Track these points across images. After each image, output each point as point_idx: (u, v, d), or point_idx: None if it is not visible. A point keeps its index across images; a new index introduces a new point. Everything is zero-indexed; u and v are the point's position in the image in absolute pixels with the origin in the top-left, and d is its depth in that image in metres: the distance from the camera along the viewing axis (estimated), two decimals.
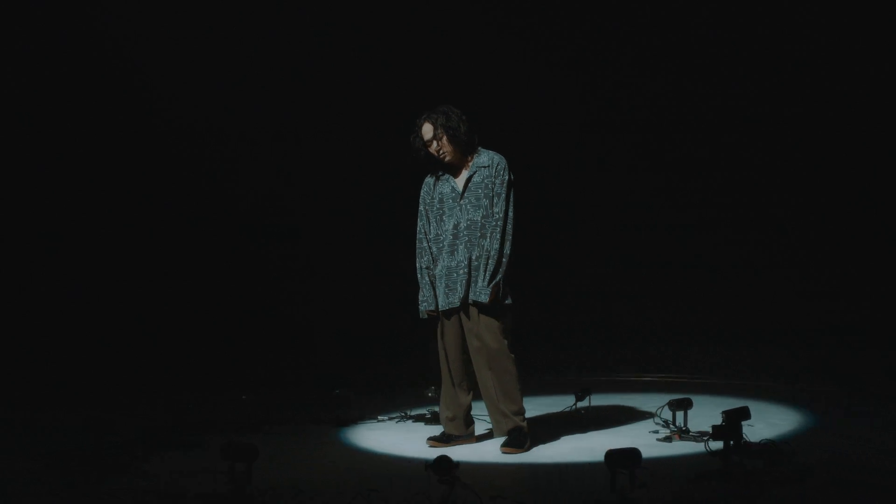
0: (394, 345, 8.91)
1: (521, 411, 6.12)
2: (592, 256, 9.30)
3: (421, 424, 6.82)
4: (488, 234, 6.03)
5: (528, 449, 6.05)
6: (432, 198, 6.17)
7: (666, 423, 6.32)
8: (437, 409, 6.64)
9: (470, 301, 6.04)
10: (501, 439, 6.14)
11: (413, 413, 7.05)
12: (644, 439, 6.15)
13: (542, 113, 9.22)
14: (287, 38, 9.15)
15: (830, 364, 8.25)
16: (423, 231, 6.20)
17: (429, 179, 6.22)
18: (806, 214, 9.11)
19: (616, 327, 9.29)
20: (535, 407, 6.98)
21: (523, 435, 6.09)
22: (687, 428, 6.17)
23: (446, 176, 6.17)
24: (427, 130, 6.07)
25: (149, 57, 9.01)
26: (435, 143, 6.07)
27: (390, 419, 6.97)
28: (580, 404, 6.86)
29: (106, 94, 9.05)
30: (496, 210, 6.04)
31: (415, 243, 6.22)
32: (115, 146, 9.11)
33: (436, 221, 6.16)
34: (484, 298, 5.98)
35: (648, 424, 6.52)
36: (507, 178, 6.07)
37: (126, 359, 8.66)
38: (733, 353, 8.77)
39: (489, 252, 6.02)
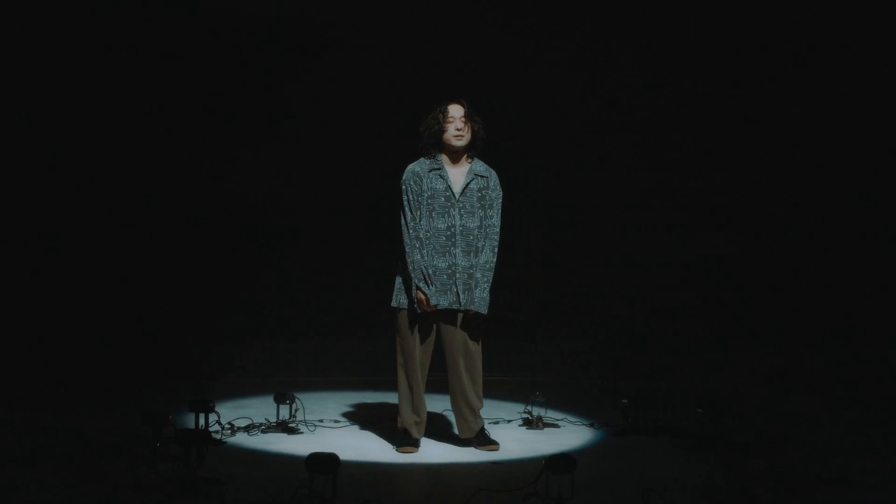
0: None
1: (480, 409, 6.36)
2: (592, 256, 9.30)
3: (284, 435, 6.59)
4: (487, 247, 6.13)
5: None
6: (422, 189, 6.14)
7: (529, 413, 6.95)
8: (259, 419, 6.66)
9: (466, 308, 6.12)
10: (461, 439, 6.35)
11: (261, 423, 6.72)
12: (513, 429, 6.86)
13: (542, 113, 9.22)
14: (287, 38, 9.15)
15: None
16: (413, 222, 6.15)
17: (416, 169, 6.18)
18: (807, 214, 9.12)
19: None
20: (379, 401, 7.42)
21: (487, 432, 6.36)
22: (547, 416, 6.95)
23: (441, 171, 6.16)
24: (458, 109, 6.16)
25: (148, 56, 9.01)
26: (460, 122, 6.11)
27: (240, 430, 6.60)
28: None
29: (105, 95, 9.04)
30: (493, 223, 6.15)
31: (401, 235, 6.17)
32: (115, 146, 9.10)
33: (426, 217, 6.13)
34: (484, 309, 6.14)
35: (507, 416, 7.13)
36: (501, 192, 6.22)
37: (126, 359, 8.66)
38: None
39: (488, 265, 6.13)
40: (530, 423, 6.90)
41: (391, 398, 7.07)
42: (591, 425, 6.95)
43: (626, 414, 6.73)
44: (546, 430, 6.82)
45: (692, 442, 6.42)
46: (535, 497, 4.96)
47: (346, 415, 7.17)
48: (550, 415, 7.05)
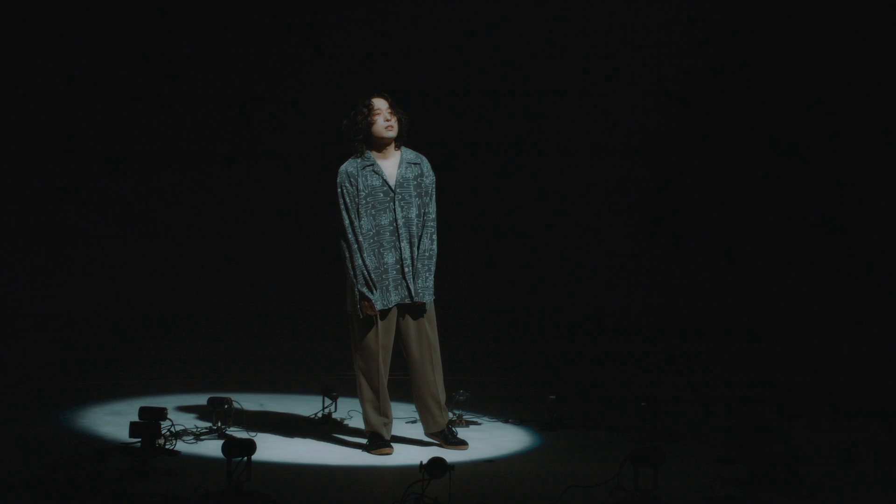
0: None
1: None
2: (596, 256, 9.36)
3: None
4: (425, 236, 6.13)
5: None
6: (358, 190, 6.10)
7: (452, 412, 6.66)
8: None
9: (416, 300, 6.10)
10: (425, 438, 6.29)
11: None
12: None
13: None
14: (287, 39, 9.18)
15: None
16: (353, 225, 6.08)
17: (350, 169, 6.11)
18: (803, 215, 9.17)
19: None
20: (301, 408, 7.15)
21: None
22: (465, 415, 6.83)
23: (374, 166, 6.12)
24: (382, 102, 6.12)
25: (148, 57, 9.03)
26: (387, 113, 6.10)
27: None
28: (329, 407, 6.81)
29: (105, 95, 9.05)
30: (430, 210, 6.15)
31: (341, 239, 6.07)
32: (116, 146, 9.12)
33: (368, 216, 6.09)
34: (429, 298, 6.13)
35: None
36: (434, 177, 6.20)
37: (126, 360, 8.69)
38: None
39: (430, 252, 6.13)
40: (453, 421, 6.61)
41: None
42: (507, 422, 6.90)
43: (552, 410, 6.69)
44: (471, 427, 6.72)
45: (635, 435, 6.41)
46: (621, 490, 4.98)
47: (287, 418, 6.92)
48: (466, 414, 6.90)
